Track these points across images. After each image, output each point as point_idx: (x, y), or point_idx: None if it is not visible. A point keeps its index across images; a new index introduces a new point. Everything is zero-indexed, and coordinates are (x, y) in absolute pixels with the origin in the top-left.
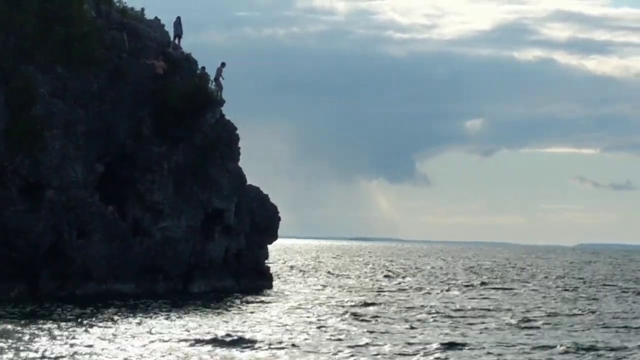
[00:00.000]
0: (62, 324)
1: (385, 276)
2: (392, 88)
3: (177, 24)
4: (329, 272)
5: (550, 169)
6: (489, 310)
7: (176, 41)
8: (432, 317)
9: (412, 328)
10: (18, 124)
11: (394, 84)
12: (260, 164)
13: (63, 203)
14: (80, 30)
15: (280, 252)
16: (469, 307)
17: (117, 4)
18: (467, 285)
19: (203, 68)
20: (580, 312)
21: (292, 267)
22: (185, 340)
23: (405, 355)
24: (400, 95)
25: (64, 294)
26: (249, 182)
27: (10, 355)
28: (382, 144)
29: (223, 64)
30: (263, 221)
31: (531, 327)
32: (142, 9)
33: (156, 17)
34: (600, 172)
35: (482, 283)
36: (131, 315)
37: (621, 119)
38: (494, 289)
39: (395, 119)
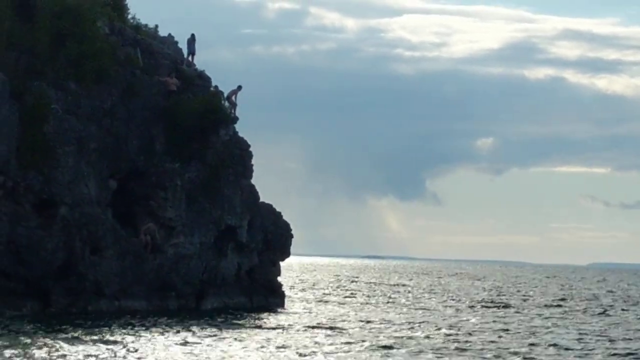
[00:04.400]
0: (74, 340)
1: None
2: (402, 106)
3: (191, 41)
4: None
5: (561, 188)
6: None
7: (190, 58)
8: None
9: None
10: (31, 140)
11: (404, 102)
12: (270, 182)
13: (76, 219)
14: (94, 46)
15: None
16: None
17: (131, 21)
18: None
19: (216, 86)
20: None
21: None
22: None
23: None
24: (410, 113)
25: (76, 311)
26: (260, 199)
27: None
28: (392, 162)
29: (239, 87)
30: (275, 238)
31: None
32: (156, 26)
33: (170, 34)
34: (611, 191)
35: None
36: (145, 333)
37: (632, 139)
38: None
39: (405, 137)
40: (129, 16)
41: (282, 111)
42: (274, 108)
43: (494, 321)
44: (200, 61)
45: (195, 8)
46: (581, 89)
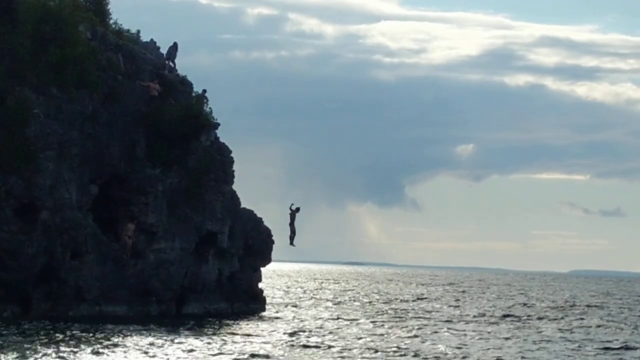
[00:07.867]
0: (53, 345)
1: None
2: (381, 112)
3: (173, 49)
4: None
5: (541, 195)
6: None
7: (171, 64)
8: None
9: None
10: (12, 145)
11: (383, 108)
12: (249, 188)
13: (57, 224)
14: (75, 51)
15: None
16: None
17: (113, 26)
18: None
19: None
20: None
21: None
22: None
23: None
24: (389, 119)
25: (57, 316)
26: (241, 205)
27: None
28: (372, 168)
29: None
30: (256, 244)
31: None
32: (138, 31)
33: (152, 39)
34: (590, 198)
35: None
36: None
37: (612, 146)
38: None
39: (384, 144)
40: (111, 21)
41: (262, 117)
42: (254, 114)
43: None
44: (179, 66)
45: (175, 13)
46: (561, 96)
